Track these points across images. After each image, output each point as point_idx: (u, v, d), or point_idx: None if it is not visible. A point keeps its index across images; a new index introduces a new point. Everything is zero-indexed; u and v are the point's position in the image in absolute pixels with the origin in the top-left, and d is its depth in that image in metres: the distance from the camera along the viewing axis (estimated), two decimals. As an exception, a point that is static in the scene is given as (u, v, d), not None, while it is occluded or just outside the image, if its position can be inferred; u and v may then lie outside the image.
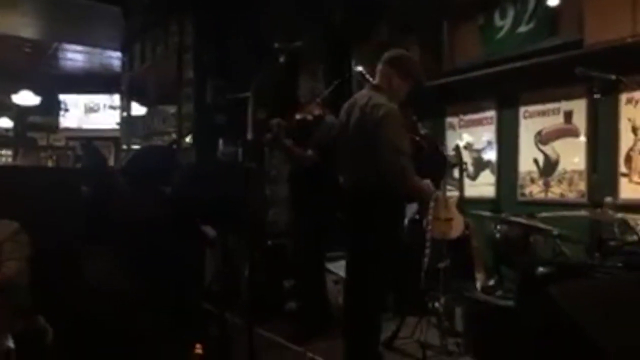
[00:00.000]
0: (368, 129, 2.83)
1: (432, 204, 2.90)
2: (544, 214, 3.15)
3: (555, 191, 4.25)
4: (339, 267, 3.98)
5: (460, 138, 4.97)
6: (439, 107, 5.13)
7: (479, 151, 4.88)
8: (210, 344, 2.84)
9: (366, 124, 2.86)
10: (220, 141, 4.66)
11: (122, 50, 7.88)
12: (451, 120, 5.12)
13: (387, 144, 2.75)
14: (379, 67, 3.06)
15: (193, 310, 3.20)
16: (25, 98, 10.16)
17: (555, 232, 2.97)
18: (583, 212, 2.97)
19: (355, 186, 2.99)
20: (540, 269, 2.74)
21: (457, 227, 3.94)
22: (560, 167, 4.23)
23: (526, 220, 3.13)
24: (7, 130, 11.16)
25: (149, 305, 3.00)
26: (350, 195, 3.02)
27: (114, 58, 8.68)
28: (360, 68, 5.38)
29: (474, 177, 4.88)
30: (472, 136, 4.92)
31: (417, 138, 3.04)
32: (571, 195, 4.14)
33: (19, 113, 10.70)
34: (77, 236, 3.23)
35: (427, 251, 3.92)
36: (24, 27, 7.64)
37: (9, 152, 10.81)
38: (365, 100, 2.93)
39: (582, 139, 4.08)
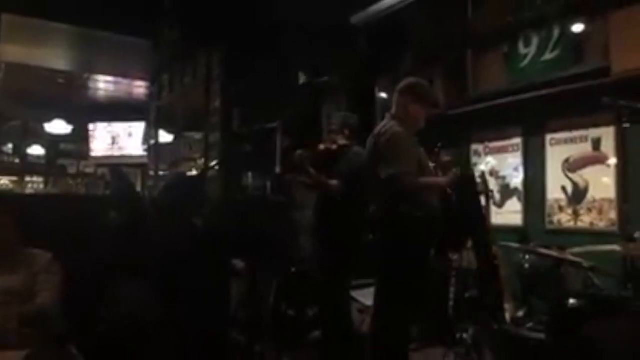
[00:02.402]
0: (377, 158, 2.93)
1: None
2: (575, 249, 3.08)
3: (585, 220, 4.18)
4: (363, 295, 3.95)
5: (486, 165, 4.94)
6: (463, 135, 5.13)
7: (504, 178, 4.85)
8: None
9: (376, 153, 2.94)
10: (250, 174, 4.72)
11: (151, 81, 8.09)
12: (476, 147, 5.10)
13: (388, 178, 2.81)
14: (395, 97, 3.12)
15: (219, 341, 3.21)
16: (58, 127, 10.49)
17: (586, 264, 2.91)
18: (615, 247, 2.90)
19: (380, 214, 3.02)
20: (572, 302, 2.69)
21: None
22: (589, 196, 4.17)
23: (556, 253, 3.07)
24: (39, 157, 11.48)
25: (176, 334, 3.02)
26: (376, 224, 3.05)
27: (143, 87, 8.92)
28: (383, 96, 5.46)
29: (500, 205, 4.83)
30: (498, 163, 4.90)
31: (449, 191, 3.04)
32: (601, 224, 4.06)
33: (51, 141, 11.02)
34: (106, 264, 3.28)
35: (454, 280, 3.89)
36: (57, 59, 7.93)
37: (40, 179, 11.09)
38: (378, 129, 3.01)
39: (612, 166, 4.02)
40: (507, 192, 4.81)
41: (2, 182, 10.66)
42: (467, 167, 3.93)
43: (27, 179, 10.98)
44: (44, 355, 2.38)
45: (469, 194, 3.16)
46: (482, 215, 3.35)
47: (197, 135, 7.19)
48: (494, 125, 4.87)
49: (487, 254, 3.28)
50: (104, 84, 9.32)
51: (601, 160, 4.10)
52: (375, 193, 3.07)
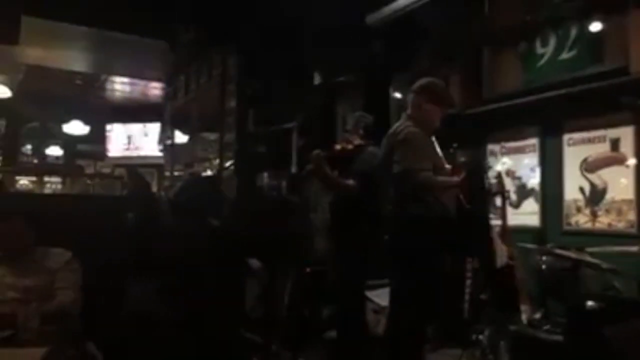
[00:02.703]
0: (391, 158, 2.94)
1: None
2: (592, 249, 3.05)
3: (603, 221, 4.13)
4: (378, 296, 3.95)
5: (502, 165, 4.91)
6: (480, 135, 5.10)
7: (521, 179, 4.81)
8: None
9: (390, 153, 2.96)
10: (265, 174, 4.73)
11: (167, 81, 8.16)
12: (492, 147, 5.06)
13: (401, 172, 2.81)
14: (409, 97, 3.12)
15: (235, 340, 3.22)
16: (75, 128, 10.64)
17: (605, 266, 2.88)
18: (634, 249, 2.86)
19: (394, 214, 3.02)
20: (590, 304, 2.66)
21: (500, 257, 3.87)
22: (608, 196, 4.11)
23: (574, 254, 3.04)
24: (56, 158, 11.63)
25: (191, 333, 3.05)
26: (391, 224, 3.05)
27: (159, 88, 9.01)
28: (398, 95, 5.45)
29: (516, 206, 4.79)
30: (514, 163, 4.86)
31: (460, 196, 3.04)
32: (620, 226, 4.01)
33: (69, 142, 11.17)
34: (122, 263, 3.31)
35: (469, 282, 3.87)
36: (75, 61, 8.04)
37: (58, 180, 11.23)
38: (393, 129, 3.01)
39: (631, 167, 3.97)
40: (524, 192, 4.76)
41: (22, 182, 10.82)
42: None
43: (46, 179, 11.12)
44: (64, 352, 2.41)
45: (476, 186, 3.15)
46: (486, 214, 3.34)
47: (213, 136, 7.23)
48: (510, 125, 4.84)
49: (488, 252, 3.27)
50: (120, 85, 9.43)
51: (620, 160, 4.05)
52: (390, 193, 3.07)
